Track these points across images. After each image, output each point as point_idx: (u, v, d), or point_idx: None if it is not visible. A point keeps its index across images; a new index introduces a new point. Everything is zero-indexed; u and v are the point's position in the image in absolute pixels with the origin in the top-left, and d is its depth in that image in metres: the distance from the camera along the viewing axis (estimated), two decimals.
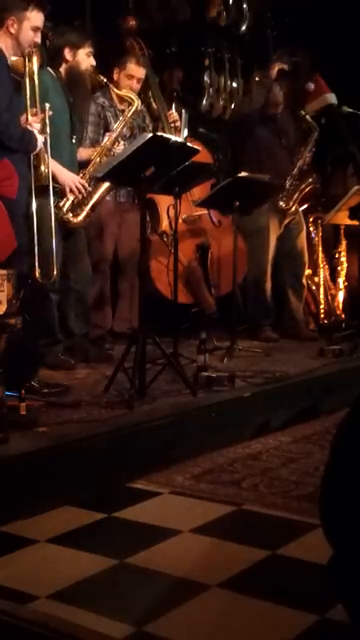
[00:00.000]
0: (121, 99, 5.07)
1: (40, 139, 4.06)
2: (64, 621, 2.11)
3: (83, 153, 4.77)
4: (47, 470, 3.04)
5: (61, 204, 4.52)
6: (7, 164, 3.76)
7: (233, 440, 3.78)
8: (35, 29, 3.92)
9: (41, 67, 4.20)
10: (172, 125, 5.53)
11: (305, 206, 6.21)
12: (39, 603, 2.21)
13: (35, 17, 3.90)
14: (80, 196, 4.54)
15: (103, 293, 5.24)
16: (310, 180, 5.87)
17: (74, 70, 4.60)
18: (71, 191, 4.51)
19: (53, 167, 4.43)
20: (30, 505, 2.86)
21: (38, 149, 4.09)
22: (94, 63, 4.65)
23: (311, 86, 6.16)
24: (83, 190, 4.54)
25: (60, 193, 4.49)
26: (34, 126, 3.98)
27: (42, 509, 2.88)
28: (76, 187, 4.51)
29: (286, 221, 5.88)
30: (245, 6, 7.01)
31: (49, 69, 4.66)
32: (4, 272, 3.24)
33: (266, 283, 5.85)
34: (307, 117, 5.80)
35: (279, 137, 5.87)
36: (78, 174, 4.60)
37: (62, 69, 4.61)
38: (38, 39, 3.99)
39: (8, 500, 2.81)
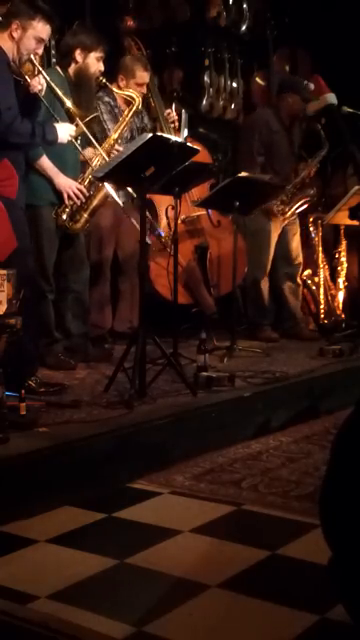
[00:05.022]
0: (123, 100, 5.08)
1: (66, 129, 4.12)
2: (64, 621, 2.11)
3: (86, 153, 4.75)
4: (47, 470, 3.04)
5: (59, 211, 4.51)
6: (7, 164, 3.77)
7: (233, 440, 3.78)
8: (39, 40, 3.93)
9: (42, 67, 4.21)
10: (171, 125, 5.53)
11: (304, 207, 6.21)
12: (39, 603, 2.21)
13: (41, 28, 3.90)
14: (78, 202, 4.52)
15: (103, 293, 5.25)
16: (311, 192, 5.84)
17: (82, 72, 4.58)
18: (69, 197, 4.50)
19: (50, 172, 4.43)
20: (30, 505, 2.86)
21: (64, 139, 4.12)
22: (102, 69, 4.62)
23: (311, 86, 6.15)
24: (81, 196, 4.52)
25: (58, 199, 4.49)
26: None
27: (42, 509, 2.88)
28: (74, 193, 4.50)
29: (285, 223, 5.87)
30: (245, 6, 7.01)
31: (57, 68, 4.66)
32: (4, 272, 3.24)
33: (265, 283, 5.85)
34: (322, 132, 5.80)
35: (291, 144, 5.87)
36: (77, 179, 4.59)
37: (70, 69, 4.60)
38: (40, 50, 3.99)
39: (8, 500, 2.81)
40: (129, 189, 4.80)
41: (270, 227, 5.79)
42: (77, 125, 4.26)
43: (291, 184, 5.76)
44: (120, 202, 4.70)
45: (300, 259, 6.07)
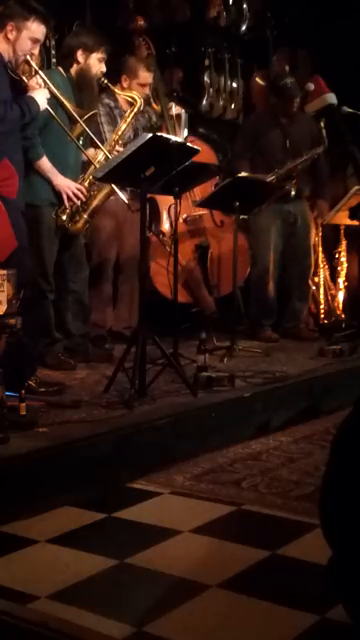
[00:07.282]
0: (125, 101, 5.09)
1: (41, 94, 4.05)
2: (64, 621, 2.11)
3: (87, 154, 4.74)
4: (47, 470, 3.04)
5: (59, 211, 4.50)
6: (7, 164, 3.76)
7: (233, 440, 3.78)
8: (34, 40, 3.93)
9: (42, 67, 4.21)
10: (172, 121, 5.55)
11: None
12: (39, 603, 2.21)
13: (36, 29, 3.90)
14: (78, 202, 4.51)
15: (104, 293, 5.24)
16: (286, 187, 5.75)
17: (84, 73, 4.56)
18: (68, 198, 4.49)
19: (49, 173, 4.43)
20: (30, 505, 2.86)
21: (44, 104, 4.05)
22: (104, 70, 4.61)
23: (311, 86, 6.14)
24: (81, 195, 4.50)
25: (58, 200, 4.49)
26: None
27: (42, 509, 2.88)
28: (73, 193, 4.49)
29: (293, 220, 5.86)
30: (245, 6, 7.01)
31: (59, 69, 4.66)
32: (4, 272, 3.24)
33: (269, 283, 5.82)
34: (323, 132, 5.75)
35: (285, 139, 5.84)
36: (78, 179, 4.58)
37: (72, 70, 4.58)
38: (35, 51, 3.99)
39: (8, 500, 2.81)
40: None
41: (271, 227, 5.77)
42: (77, 124, 4.24)
43: (274, 173, 5.70)
44: (125, 199, 4.67)
45: (311, 259, 6.04)
